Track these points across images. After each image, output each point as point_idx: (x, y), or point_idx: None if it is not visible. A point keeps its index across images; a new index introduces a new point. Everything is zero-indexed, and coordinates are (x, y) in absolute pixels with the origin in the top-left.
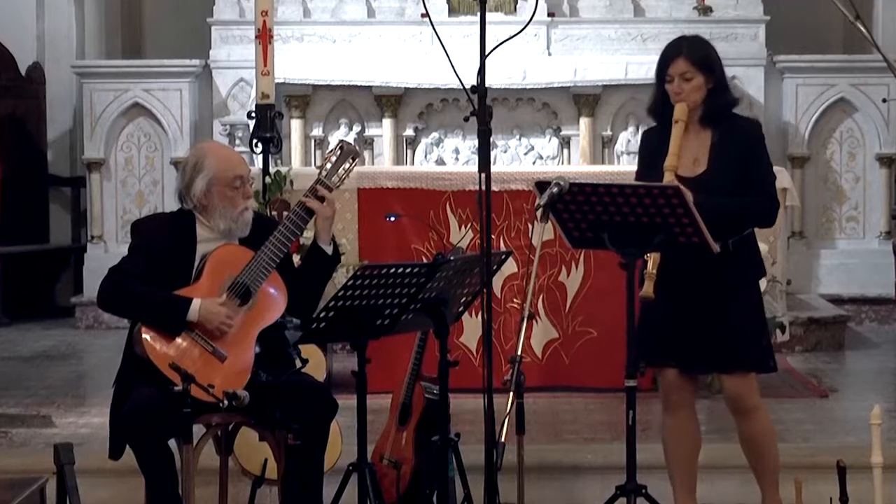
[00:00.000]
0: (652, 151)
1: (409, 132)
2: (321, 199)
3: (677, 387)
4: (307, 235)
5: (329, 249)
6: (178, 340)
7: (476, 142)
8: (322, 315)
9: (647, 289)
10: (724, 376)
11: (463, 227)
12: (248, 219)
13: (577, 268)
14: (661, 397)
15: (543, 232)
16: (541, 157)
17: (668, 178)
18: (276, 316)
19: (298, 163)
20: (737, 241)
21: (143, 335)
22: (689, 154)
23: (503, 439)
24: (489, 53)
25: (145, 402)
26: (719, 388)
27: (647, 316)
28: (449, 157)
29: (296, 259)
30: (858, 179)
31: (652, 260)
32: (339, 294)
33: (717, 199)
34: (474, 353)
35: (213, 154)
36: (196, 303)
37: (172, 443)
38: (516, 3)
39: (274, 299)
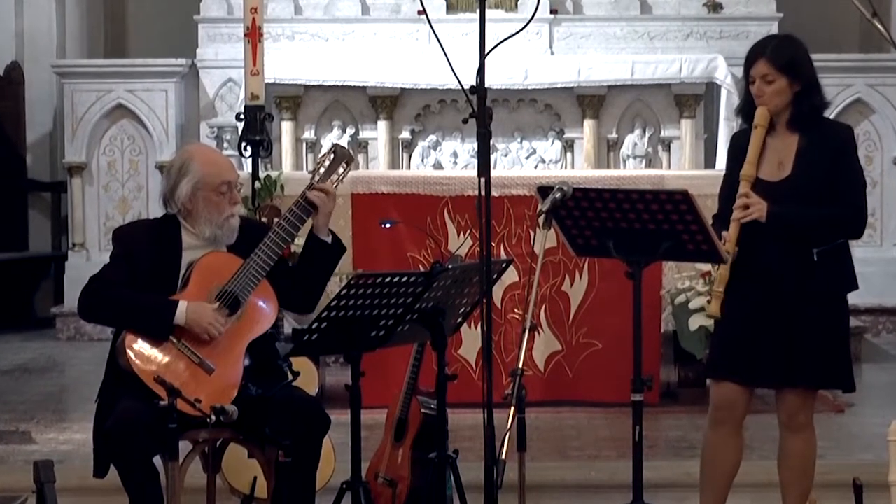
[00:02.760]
0: (739, 155)
1: (406, 135)
2: (313, 204)
3: (731, 401)
4: (299, 243)
5: (328, 239)
6: (164, 352)
7: (475, 145)
8: (314, 326)
9: (714, 308)
10: (787, 390)
11: (462, 234)
12: (234, 225)
13: (580, 277)
14: (710, 410)
15: (546, 239)
16: (543, 161)
17: (744, 188)
18: (266, 327)
19: (289, 167)
20: (824, 250)
21: (128, 347)
22: (774, 157)
23: (504, 456)
24: (489, 52)
25: (129, 417)
26: None
27: (723, 327)
28: (447, 160)
29: None
30: (875, 184)
31: (719, 278)
32: (332, 304)
33: (798, 209)
34: (473, 366)
35: (200, 157)
36: (183, 304)
37: (157, 460)
38: None
39: (263, 310)
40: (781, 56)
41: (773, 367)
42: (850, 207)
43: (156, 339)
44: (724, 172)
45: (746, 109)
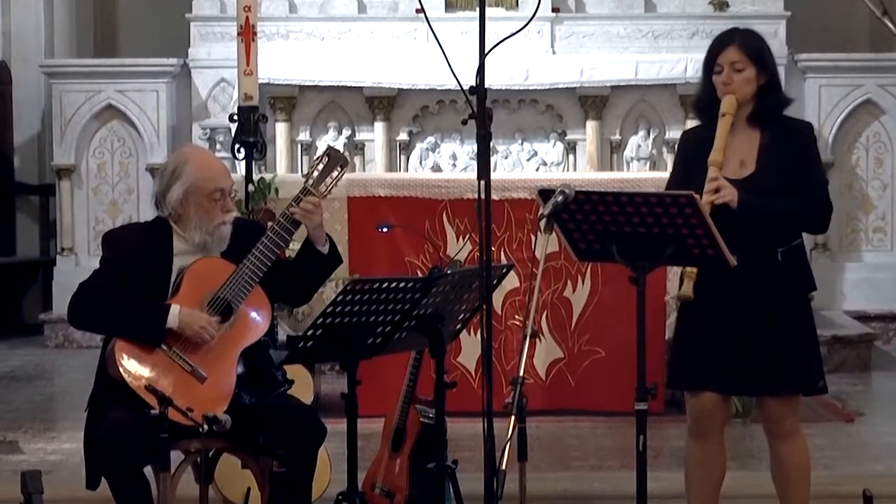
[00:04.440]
0: (692, 151)
1: (403, 136)
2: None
3: (711, 412)
4: (293, 248)
5: (324, 249)
6: (155, 360)
7: (475, 147)
8: (309, 333)
9: (687, 288)
10: (766, 396)
11: (461, 238)
12: (224, 234)
13: (583, 282)
14: (690, 423)
15: (547, 244)
16: (544, 163)
17: (713, 174)
18: (259, 335)
19: (284, 169)
20: (786, 250)
21: (118, 355)
22: (735, 155)
23: (504, 467)
24: (489, 52)
25: (119, 427)
26: (741, 412)
27: (690, 334)
28: (446, 163)
29: None
30: (886, 187)
31: None
32: (328, 310)
33: (768, 199)
34: (473, 373)
35: (195, 161)
36: (175, 308)
37: (148, 470)
38: None
39: (256, 318)
40: (751, 44)
41: (752, 374)
42: (818, 202)
43: (148, 345)
44: (671, 170)
45: (704, 105)
